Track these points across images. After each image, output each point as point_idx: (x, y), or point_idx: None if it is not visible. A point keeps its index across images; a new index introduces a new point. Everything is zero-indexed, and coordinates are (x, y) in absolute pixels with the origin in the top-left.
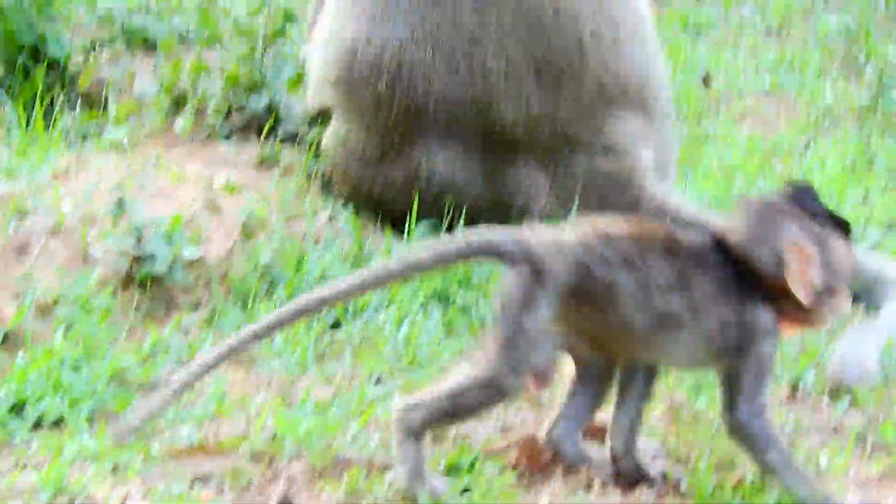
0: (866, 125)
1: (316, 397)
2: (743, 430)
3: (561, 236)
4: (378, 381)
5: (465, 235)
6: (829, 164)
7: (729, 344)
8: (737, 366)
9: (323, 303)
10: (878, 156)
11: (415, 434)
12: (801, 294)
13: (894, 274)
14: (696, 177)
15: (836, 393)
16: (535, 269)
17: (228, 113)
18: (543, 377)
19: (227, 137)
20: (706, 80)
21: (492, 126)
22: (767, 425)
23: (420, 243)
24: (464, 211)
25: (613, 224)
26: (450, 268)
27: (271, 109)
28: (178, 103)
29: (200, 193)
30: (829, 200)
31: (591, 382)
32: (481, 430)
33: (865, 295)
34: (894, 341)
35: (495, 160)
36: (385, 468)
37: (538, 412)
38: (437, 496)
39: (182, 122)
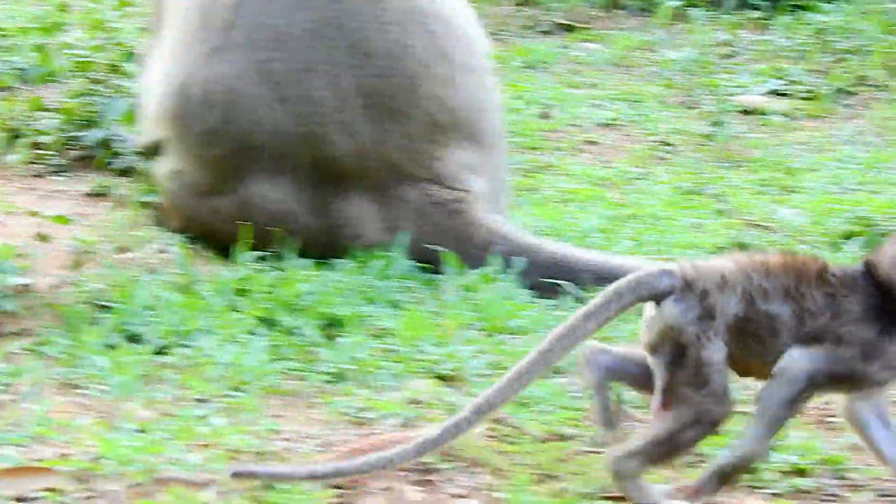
0: (702, 154)
1: (139, 419)
2: (785, 374)
3: (719, 268)
4: (201, 401)
5: (616, 285)
6: (663, 192)
7: (851, 348)
8: (841, 354)
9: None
10: (711, 184)
11: (634, 476)
12: None
13: None
14: (532, 206)
15: None
16: (703, 302)
17: (64, 147)
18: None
19: (62, 171)
20: (545, 114)
21: (322, 158)
22: (798, 390)
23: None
24: (293, 241)
25: (768, 256)
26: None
27: (106, 143)
28: (14, 138)
29: (31, 224)
30: (662, 227)
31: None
32: (303, 447)
33: None
34: None
35: (325, 191)
36: (204, 485)
37: (360, 428)
38: None
39: (16, 157)
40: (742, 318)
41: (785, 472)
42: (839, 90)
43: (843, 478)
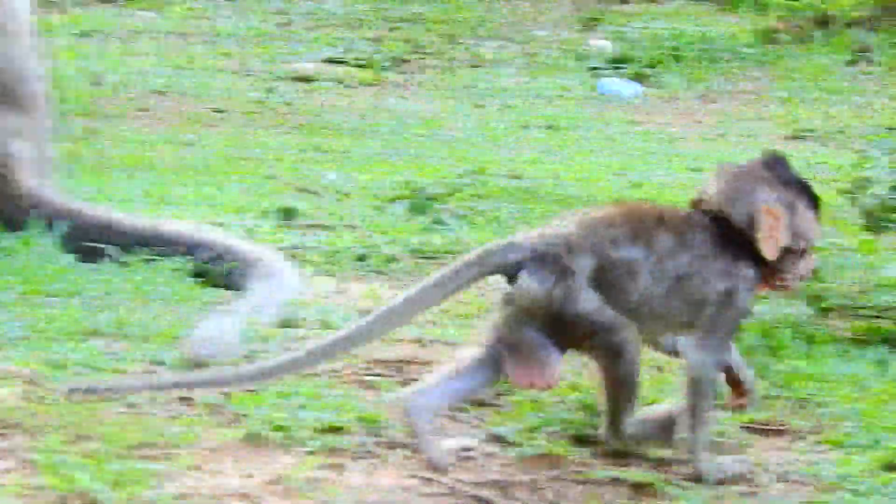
0: (253, 120)
1: None
2: (703, 373)
3: (563, 230)
4: None
5: (469, 256)
6: (213, 157)
7: (719, 297)
8: (716, 315)
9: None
10: (260, 148)
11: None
12: (767, 251)
13: (256, 256)
14: (81, 171)
15: (196, 366)
16: (557, 266)
17: None
18: (550, 374)
19: None
20: (97, 80)
21: None
22: (715, 378)
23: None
24: None
25: (605, 208)
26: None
27: None
28: None
29: None
30: (211, 191)
31: (485, 372)
32: None
33: (230, 276)
34: (256, 318)
35: None
36: None
37: None
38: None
39: None
40: (598, 269)
41: (320, 430)
42: (394, 58)
43: (378, 435)
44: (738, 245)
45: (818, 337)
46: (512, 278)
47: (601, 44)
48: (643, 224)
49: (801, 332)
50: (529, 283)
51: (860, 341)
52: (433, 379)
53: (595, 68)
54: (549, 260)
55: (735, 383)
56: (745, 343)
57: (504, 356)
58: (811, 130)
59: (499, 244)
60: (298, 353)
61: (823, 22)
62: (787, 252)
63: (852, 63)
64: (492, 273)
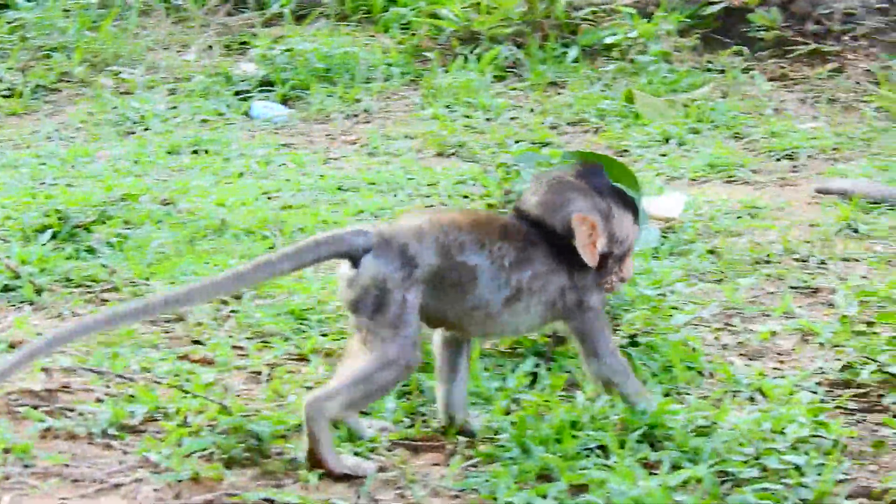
0: None
1: None
2: (609, 372)
3: (415, 224)
4: None
5: (321, 236)
6: None
7: (573, 307)
8: (582, 323)
9: (175, 303)
10: None
11: (329, 420)
12: (588, 259)
13: None
14: None
15: None
16: (403, 254)
17: None
18: None
19: None
20: None
21: None
22: (620, 360)
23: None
24: None
25: (454, 213)
26: (306, 268)
27: None
28: None
29: None
30: None
31: None
32: None
33: None
34: None
35: None
36: None
37: None
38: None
39: None
40: (439, 268)
41: None
42: (40, 87)
43: (28, 465)
44: (566, 254)
45: (472, 352)
46: (356, 262)
47: (249, 67)
48: (488, 234)
49: None
50: (373, 265)
51: (512, 355)
52: (334, 384)
53: (244, 92)
54: (396, 247)
55: None
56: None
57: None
58: (461, 146)
59: (348, 229)
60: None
61: (471, 39)
62: (608, 257)
63: (500, 79)
64: (340, 255)
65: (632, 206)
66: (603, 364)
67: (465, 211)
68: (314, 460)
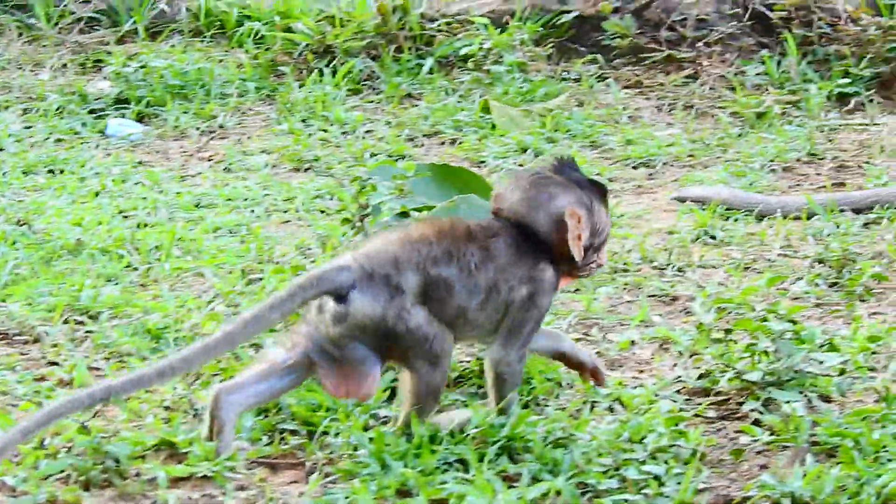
0: None
1: None
2: (507, 368)
3: (389, 249)
4: None
5: (302, 280)
6: None
7: (523, 300)
8: (521, 315)
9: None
10: None
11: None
12: (576, 252)
13: None
14: None
15: None
16: (388, 284)
17: None
18: (370, 385)
19: None
20: None
21: None
22: (522, 365)
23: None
24: None
25: (421, 227)
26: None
27: None
28: None
29: None
30: None
31: (292, 377)
32: None
33: None
34: None
35: None
36: None
37: None
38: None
39: None
40: (422, 285)
41: None
42: None
43: None
44: (538, 248)
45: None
46: (341, 298)
47: (103, 85)
48: (455, 241)
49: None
50: (363, 302)
51: None
52: (243, 377)
53: (99, 110)
54: (379, 279)
55: (577, 366)
56: None
57: (320, 366)
58: (316, 160)
59: (329, 267)
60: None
61: (325, 53)
62: (589, 248)
63: (356, 92)
64: (324, 294)
65: (606, 198)
66: (510, 356)
67: (431, 221)
68: None
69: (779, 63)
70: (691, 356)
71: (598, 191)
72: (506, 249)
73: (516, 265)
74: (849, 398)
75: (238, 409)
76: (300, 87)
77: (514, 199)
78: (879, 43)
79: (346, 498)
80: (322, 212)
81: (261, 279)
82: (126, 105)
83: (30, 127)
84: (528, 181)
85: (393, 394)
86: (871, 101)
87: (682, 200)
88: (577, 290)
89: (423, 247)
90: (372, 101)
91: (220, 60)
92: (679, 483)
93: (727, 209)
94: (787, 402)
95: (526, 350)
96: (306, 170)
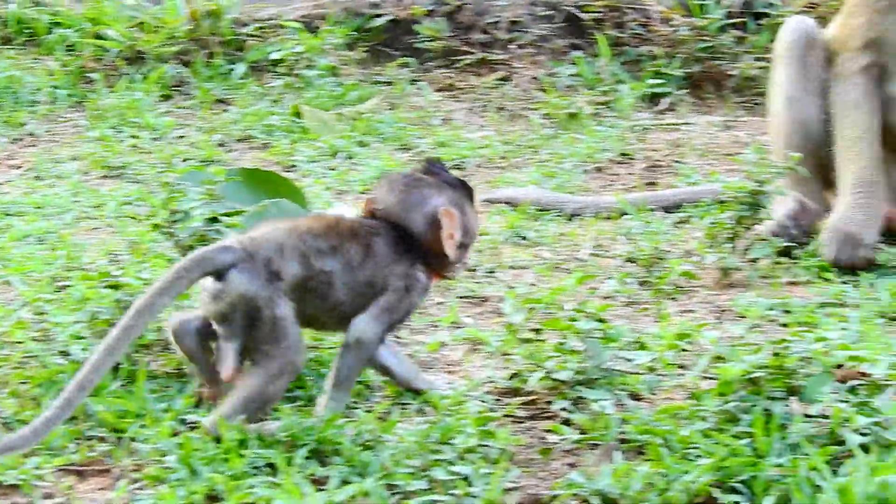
0: None
1: None
2: (365, 338)
3: (275, 236)
4: None
5: (185, 262)
6: None
7: (397, 290)
8: (394, 300)
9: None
10: None
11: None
12: (450, 252)
13: None
14: None
15: None
16: (268, 268)
17: None
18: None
19: None
20: None
21: None
22: (377, 346)
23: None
24: None
25: (309, 220)
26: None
27: None
28: None
29: None
30: None
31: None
32: None
33: None
34: None
35: None
36: None
37: None
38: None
39: None
40: (302, 277)
41: None
42: None
43: None
44: (412, 249)
45: (138, 374)
46: (221, 277)
47: None
48: (339, 237)
49: (122, 370)
50: (240, 281)
51: (179, 376)
52: (229, 405)
53: None
54: (260, 262)
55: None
56: None
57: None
58: (126, 167)
59: (213, 247)
60: (58, 403)
61: (136, 59)
62: (459, 247)
63: (167, 98)
64: (208, 274)
65: (473, 198)
66: (372, 330)
67: (318, 216)
68: None
69: (591, 64)
70: (501, 356)
71: (468, 192)
72: (385, 248)
73: (395, 263)
74: (658, 396)
75: (196, 338)
76: (110, 93)
77: (390, 200)
78: (691, 43)
79: (155, 502)
80: (132, 218)
81: (69, 286)
82: None
83: None
84: (403, 182)
85: (200, 400)
86: (683, 100)
87: (493, 202)
88: None
89: (310, 239)
90: (183, 107)
91: (30, 68)
92: (488, 483)
93: (538, 210)
94: (596, 400)
95: (387, 332)
96: (116, 176)
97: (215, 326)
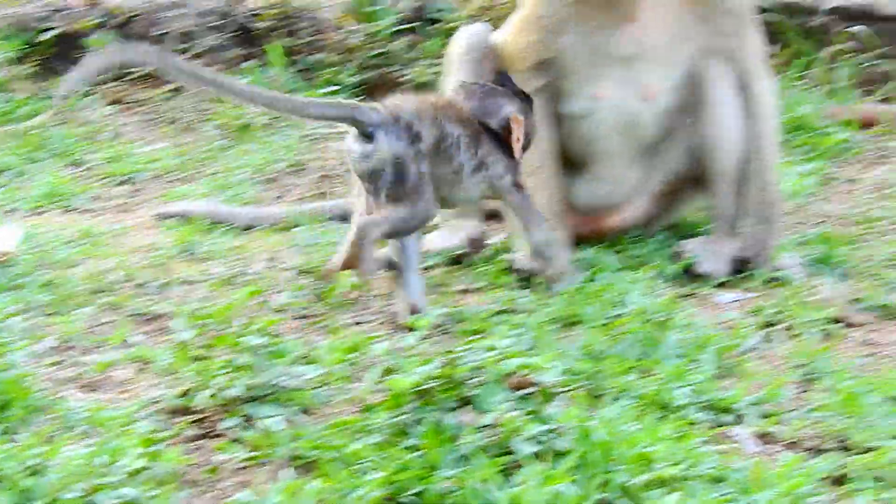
0: None
1: None
2: (512, 187)
3: (411, 104)
4: None
5: (340, 101)
6: None
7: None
8: (503, 169)
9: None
10: None
11: (372, 242)
12: (517, 151)
13: None
14: None
15: None
16: (410, 131)
17: None
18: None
19: None
20: None
21: None
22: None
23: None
24: None
25: (431, 98)
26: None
27: None
28: None
29: None
30: None
31: None
32: None
33: None
34: None
35: None
36: None
37: None
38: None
39: None
40: (437, 140)
41: None
42: None
43: None
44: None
45: None
46: (367, 137)
47: None
48: (461, 113)
49: None
50: (388, 142)
51: None
52: (382, 215)
53: None
54: (403, 125)
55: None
56: None
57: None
58: None
59: (363, 105)
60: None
61: None
62: (521, 148)
63: None
64: (352, 122)
65: (532, 107)
66: (506, 177)
67: (435, 95)
68: (349, 265)
69: (265, 74)
70: (171, 375)
71: (530, 102)
72: (487, 136)
73: (496, 151)
74: (329, 410)
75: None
76: None
77: (470, 106)
78: (364, 50)
79: None
80: None
81: None
82: None
83: None
84: (481, 91)
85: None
86: None
87: (165, 217)
88: (55, 312)
89: (437, 108)
90: None
91: None
92: None
93: (211, 223)
94: (266, 417)
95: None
96: None
97: (363, 183)
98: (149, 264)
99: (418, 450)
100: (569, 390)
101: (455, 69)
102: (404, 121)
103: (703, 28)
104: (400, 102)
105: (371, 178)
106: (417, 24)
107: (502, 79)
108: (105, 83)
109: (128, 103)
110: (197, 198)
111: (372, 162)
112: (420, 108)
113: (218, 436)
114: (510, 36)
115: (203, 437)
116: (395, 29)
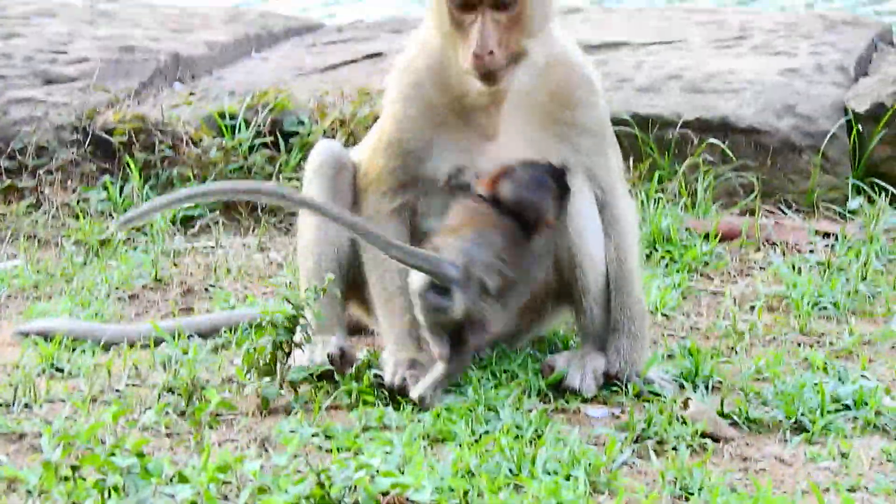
0: None
1: None
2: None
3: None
4: None
5: (427, 254)
6: None
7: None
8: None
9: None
10: None
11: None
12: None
13: None
14: None
15: None
16: (477, 285)
17: None
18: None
19: None
20: None
21: None
22: None
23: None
24: None
25: (490, 229)
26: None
27: None
28: None
29: None
30: None
31: None
32: None
33: None
34: None
35: None
36: None
37: None
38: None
39: None
40: (499, 286)
41: None
42: None
43: None
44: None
45: None
46: (444, 290)
47: None
48: (514, 240)
49: None
50: (463, 298)
51: None
52: None
53: None
54: (475, 279)
55: None
56: None
57: None
58: None
59: (444, 258)
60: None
61: None
62: None
63: None
64: (431, 274)
65: (567, 191)
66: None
67: (471, 213)
68: None
69: (122, 188)
70: (40, 495)
71: (563, 188)
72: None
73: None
74: None
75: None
76: None
77: (515, 195)
78: (222, 164)
79: None
80: None
81: None
82: None
83: None
84: (525, 180)
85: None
86: (217, 223)
87: (25, 334)
88: None
89: (502, 252)
90: None
91: None
92: None
93: (73, 340)
94: None
95: None
96: None
97: (427, 330)
98: (12, 382)
99: None
100: None
101: (311, 184)
102: (476, 278)
103: (562, 146)
104: (470, 247)
105: (442, 328)
106: (275, 137)
107: (555, 172)
108: None
109: None
110: (58, 314)
111: (446, 316)
112: (488, 261)
113: None
114: (368, 155)
115: None
116: (252, 143)
